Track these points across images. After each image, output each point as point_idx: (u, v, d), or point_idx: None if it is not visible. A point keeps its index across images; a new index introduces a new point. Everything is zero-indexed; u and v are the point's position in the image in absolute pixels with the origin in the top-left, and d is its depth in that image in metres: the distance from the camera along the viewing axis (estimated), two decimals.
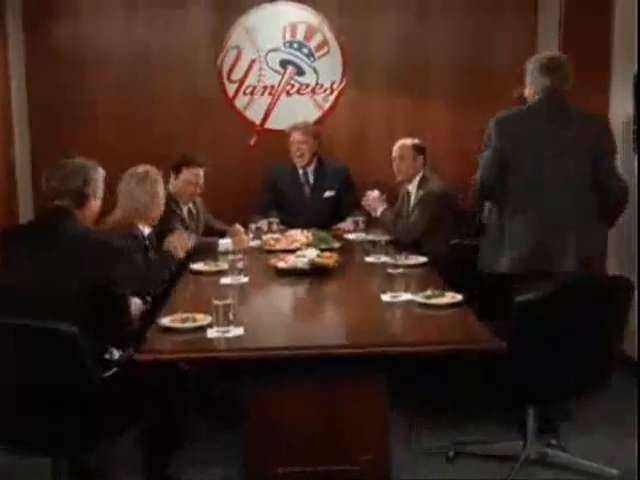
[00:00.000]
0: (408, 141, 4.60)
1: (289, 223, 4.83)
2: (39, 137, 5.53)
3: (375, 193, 4.61)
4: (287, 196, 5.11)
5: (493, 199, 3.65)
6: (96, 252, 2.82)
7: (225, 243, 4.37)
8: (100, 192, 3.08)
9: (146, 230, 3.79)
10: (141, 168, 3.83)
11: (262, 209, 5.03)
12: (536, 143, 3.50)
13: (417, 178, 4.55)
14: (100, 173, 3.09)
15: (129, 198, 3.73)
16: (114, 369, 2.85)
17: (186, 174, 4.47)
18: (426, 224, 4.35)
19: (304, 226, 4.64)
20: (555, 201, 3.48)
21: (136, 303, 3.23)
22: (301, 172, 5.18)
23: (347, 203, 5.08)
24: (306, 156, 5.12)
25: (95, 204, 3.06)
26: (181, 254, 3.88)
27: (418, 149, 4.55)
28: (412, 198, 4.55)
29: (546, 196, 3.48)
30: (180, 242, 3.88)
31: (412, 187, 4.57)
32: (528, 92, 3.66)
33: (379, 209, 4.51)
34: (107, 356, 2.92)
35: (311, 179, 5.16)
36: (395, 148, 4.60)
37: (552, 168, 3.47)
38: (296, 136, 5.13)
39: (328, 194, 5.10)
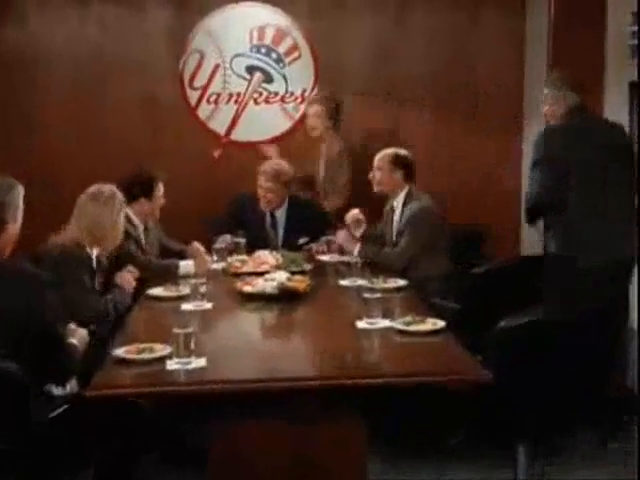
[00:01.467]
0: (389, 151, 4.58)
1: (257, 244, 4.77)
2: None
3: (353, 216, 4.61)
4: (255, 239, 4.81)
5: (552, 212, 3.82)
6: (17, 285, 2.66)
7: (186, 265, 4.33)
8: (20, 214, 2.82)
9: (94, 252, 3.76)
10: (107, 188, 3.80)
11: (225, 228, 4.97)
12: (591, 154, 3.84)
13: (402, 194, 4.54)
14: (18, 193, 2.82)
15: (88, 219, 3.70)
16: (60, 408, 2.81)
17: (157, 194, 4.42)
18: (416, 249, 4.36)
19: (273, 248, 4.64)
20: (614, 207, 3.81)
21: (81, 334, 3.11)
22: (268, 217, 4.95)
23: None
24: (274, 202, 4.89)
25: (13, 229, 2.80)
26: (129, 290, 3.85)
27: (397, 161, 4.53)
28: (396, 215, 4.55)
29: (609, 203, 3.80)
30: (125, 280, 3.86)
31: (397, 203, 4.57)
32: (554, 109, 3.98)
33: (355, 250, 4.47)
34: (53, 391, 2.89)
35: (281, 225, 4.94)
36: (376, 157, 4.61)
37: (606, 177, 3.82)
38: (263, 182, 4.86)
39: (303, 240, 4.87)
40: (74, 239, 3.67)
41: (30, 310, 2.65)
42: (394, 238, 4.53)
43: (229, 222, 5.01)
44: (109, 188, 3.81)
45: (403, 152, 4.58)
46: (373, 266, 4.18)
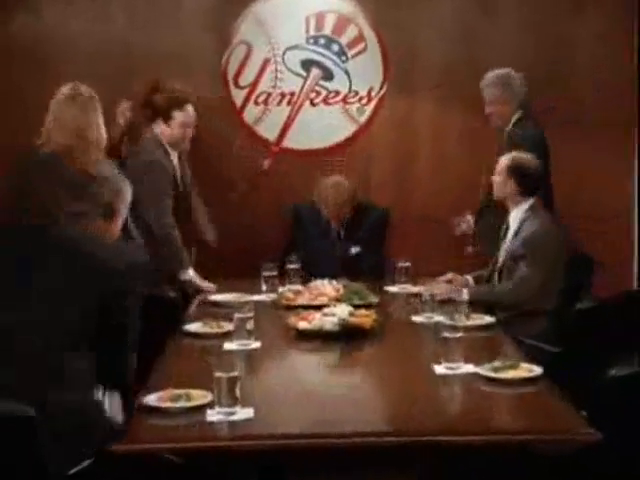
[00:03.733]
0: (508, 156, 4.55)
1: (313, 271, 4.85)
2: None
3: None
4: (313, 248, 5.26)
5: None
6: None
7: (192, 276, 4.62)
8: (124, 211, 3.40)
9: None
10: (84, 88, 4.14)
11: (283, 250, 5.07)
12: None
13: (519, 209, 4.49)
14: (128, 189, 3.42)
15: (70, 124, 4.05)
16: (84, 462, 2.84)
17: (179, 117, 4.77)
18: (537, 282, 4.29)
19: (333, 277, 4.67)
20: None
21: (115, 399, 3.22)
22: (334, 231, 5.35)
23: (369, 261, 5.19)
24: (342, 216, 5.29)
25: (118, 223, 3.37)
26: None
27: (514, 170, 4.45)
28: (509, 234, 4.51)
29: None
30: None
31: (513, 218, 4.52)
32: (507, 108, 4.69)
33: (464, 294, 4.34)
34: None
35: (342, 233, 5.34)
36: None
37: None
38: (337, 199, 5.23)
39: (355, 250, 5.30)
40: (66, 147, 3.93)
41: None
42: (500, 262, 4.47)
43: (296, 237, 5.23)
44: (85, 88, 4.14)
45: (525, 159, 4.52)
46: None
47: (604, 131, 5.60)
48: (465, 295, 4.28)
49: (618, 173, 5.66)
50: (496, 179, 4.54)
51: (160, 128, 4.85)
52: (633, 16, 5.57)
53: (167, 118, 4.82)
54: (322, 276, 4.65)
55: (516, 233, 4.45)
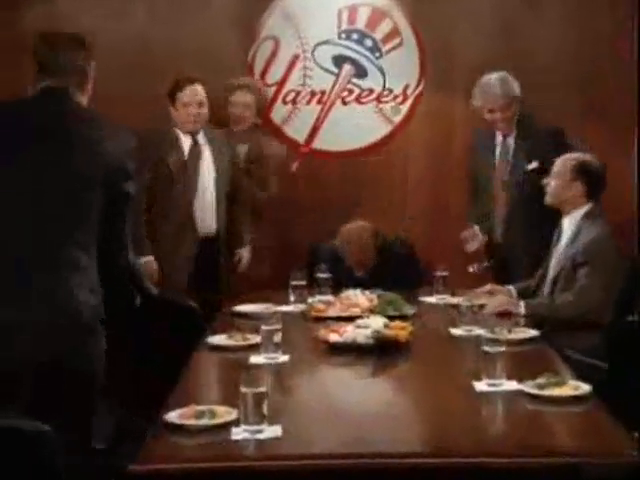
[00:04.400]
0: (572, 156, 4.50)
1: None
2: None
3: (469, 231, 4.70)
4: None
5: None
6: None
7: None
8: None
9: None
10: None
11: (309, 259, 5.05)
12: None
13: (578, 212, 4.44)
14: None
15: None
16: None
17: (182, 98, 5.02)
18: (602, 292, 4.23)
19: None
20: None
21: None
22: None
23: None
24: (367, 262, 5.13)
25: None
26: None
27: (582, 170, 4.41)
28: (564, 239, 4.46)
29: None
30: None
31: (568, 224, 4.48)
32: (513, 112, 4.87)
33: (521, 308, 4.33)
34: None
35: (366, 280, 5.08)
36: (556, 161, 4.56)
37: None
38: (355, 244, 5.08)
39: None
40: None
41: None
42: (552, 271, 4.42)
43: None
44: None
45: (590, 159, 4.49)
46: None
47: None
48: (522, 309, 4.27)
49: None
50: (556, 182, 4.48)
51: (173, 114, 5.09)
52: (633, 14, 5.52)
53: (172, 101, 5.06)
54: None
55: (572, 239, 4.39)
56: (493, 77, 5.03)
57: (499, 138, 5.08)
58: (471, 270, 5.04)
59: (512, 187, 5.04)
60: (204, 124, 5.10)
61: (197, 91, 5.05)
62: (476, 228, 5.14)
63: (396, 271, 5.06)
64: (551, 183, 4.50)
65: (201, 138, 5.10)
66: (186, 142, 5.07)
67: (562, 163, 4.50)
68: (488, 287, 4.59)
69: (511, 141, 5.07)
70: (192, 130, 5.06)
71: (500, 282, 4.71)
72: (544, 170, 4.62)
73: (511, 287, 4.60)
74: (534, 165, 4.94)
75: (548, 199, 4.53)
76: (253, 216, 5.34)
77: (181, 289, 4.91)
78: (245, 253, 5.32)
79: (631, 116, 5.57)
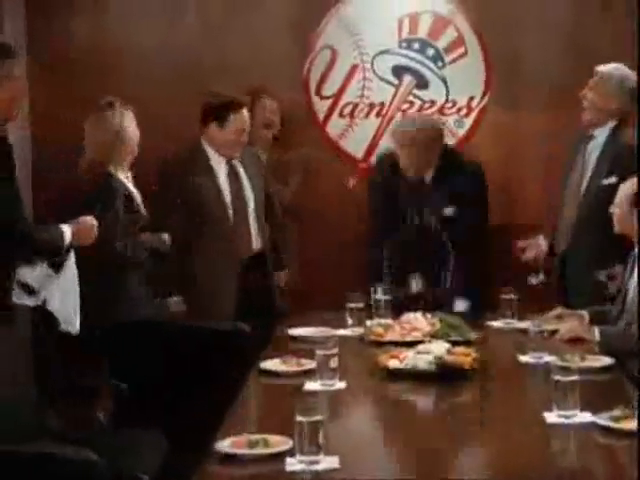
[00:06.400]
0: (629, 184, 4.35)
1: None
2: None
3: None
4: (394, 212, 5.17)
5: None
6: None
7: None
8: None
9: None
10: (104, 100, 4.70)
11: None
12: None
13: None
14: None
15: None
16: None
17: (235, 121, 4.93)
18: None
19: None
20: None
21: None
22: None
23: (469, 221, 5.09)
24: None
25: None
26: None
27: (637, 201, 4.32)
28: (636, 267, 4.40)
29: None
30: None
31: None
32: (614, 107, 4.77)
33: (596, 334, 4.22)
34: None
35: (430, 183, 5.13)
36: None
37: None
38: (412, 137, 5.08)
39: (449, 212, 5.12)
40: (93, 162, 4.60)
41: None
42: (628, 300, 4.36)
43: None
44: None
45: None
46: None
47: None
48: (597, 336, 4.22)
49: None
50: (617, 211, 4.42)
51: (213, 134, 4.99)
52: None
53: (221, 121, 4.95)
54: (407, 251, 4.83)
55: None
56: (614, 65, 4.96)
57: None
58: (533, 282, 4.99)
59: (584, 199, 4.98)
60: None
61: (246, 116, 5.02)
62: (540, 237, 5.08)
63: (465, 182, 5.05)
64: (614, 212, 4.45)
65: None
66: (221, 165, 5.02)
67: (620, 193, 4.43)
68: (558, 311, 4.54)
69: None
70: (232, 156, 5.02)
71: (559, 302, 4.66)
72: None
73: (584, 312, 4.53)
74: (612, 180, 4.85)
75: (615, 227, 4.48)
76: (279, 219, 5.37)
77: (230, 315, 4.91)
78: (283, 276, 5.34)
79: None
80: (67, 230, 4.23)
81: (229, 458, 2.81)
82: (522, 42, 5.63)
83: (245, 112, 4.99)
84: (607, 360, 3.85)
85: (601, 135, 4.96)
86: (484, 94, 5.65)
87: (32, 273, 4.21)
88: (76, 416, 3.77)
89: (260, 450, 2.83)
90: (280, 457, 2.78)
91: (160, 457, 3.72)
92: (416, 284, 5.11)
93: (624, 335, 4.24)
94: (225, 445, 2.87)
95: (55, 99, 5.69)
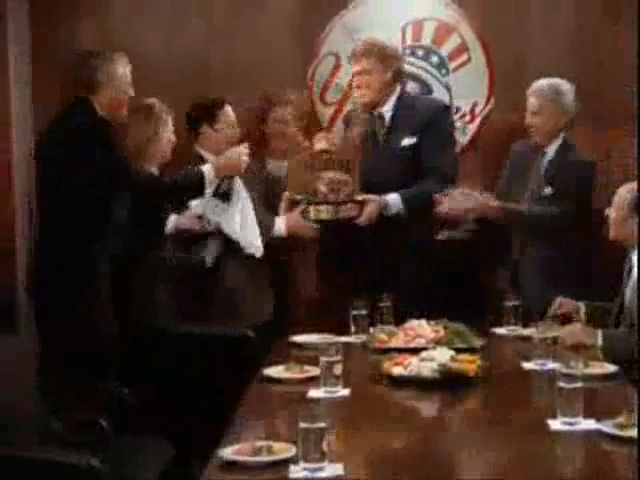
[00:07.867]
0: (626, 189, 4.40)
1: None
2: None
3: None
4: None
5: None
6: None
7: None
8: None
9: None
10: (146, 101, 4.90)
11: None
12: None
13: None
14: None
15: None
16: None
17: (224, 116, 5.13)
18: None
19: None
20: None
21: None
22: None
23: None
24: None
25: None
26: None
27: (636, 207, 4.33)
28: (634, 275, 4.40)
29: None
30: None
31: (636, 259, 4.43)
32: (552, 123, 5.05)
33: (599, 339, 4.22)
34: None
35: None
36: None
37: None
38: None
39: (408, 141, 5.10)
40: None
41: None
42: (627, 304, 4.36)
43: None
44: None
45: None
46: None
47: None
48: (599, 340, 4.21)
49: None
50: (613, 215, 4.42)
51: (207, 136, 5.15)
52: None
53: (211, 121, 5.12)
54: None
55: None
56: (547, 81, 5.15)
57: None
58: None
59: None
60: None
61: (231, 111, 5.15)
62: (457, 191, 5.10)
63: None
64: (610, 216, 4.43)
65: None
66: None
67: (617, 197, 4.43)
68: (558, 301, 4.56)
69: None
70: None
71: None
72: None
73: (581, 304, 4.53)
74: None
75: (611, 234, 4.47)
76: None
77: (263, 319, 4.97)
78: None
79: None
80: (207, 169, 4.62)
81: (233, 465, 2.82)
82: (525, 48, 5.63)
83: (229, 107, 5.12)
84: (611, 367, 3.85)
85: (550, 151, 5.13)
86: (488, 100, 5.65)
87: (204, 205, 4.84)
88: (80, 422, 3.77)
89: (264, 457, 2.83)
90: (284, 464, 2.79)
91: (164, 463, 3.73)
92: None
93: (626, 340, 4.24)
94: (229, 452, 2.87)
95: (60, 103, 5.69)
